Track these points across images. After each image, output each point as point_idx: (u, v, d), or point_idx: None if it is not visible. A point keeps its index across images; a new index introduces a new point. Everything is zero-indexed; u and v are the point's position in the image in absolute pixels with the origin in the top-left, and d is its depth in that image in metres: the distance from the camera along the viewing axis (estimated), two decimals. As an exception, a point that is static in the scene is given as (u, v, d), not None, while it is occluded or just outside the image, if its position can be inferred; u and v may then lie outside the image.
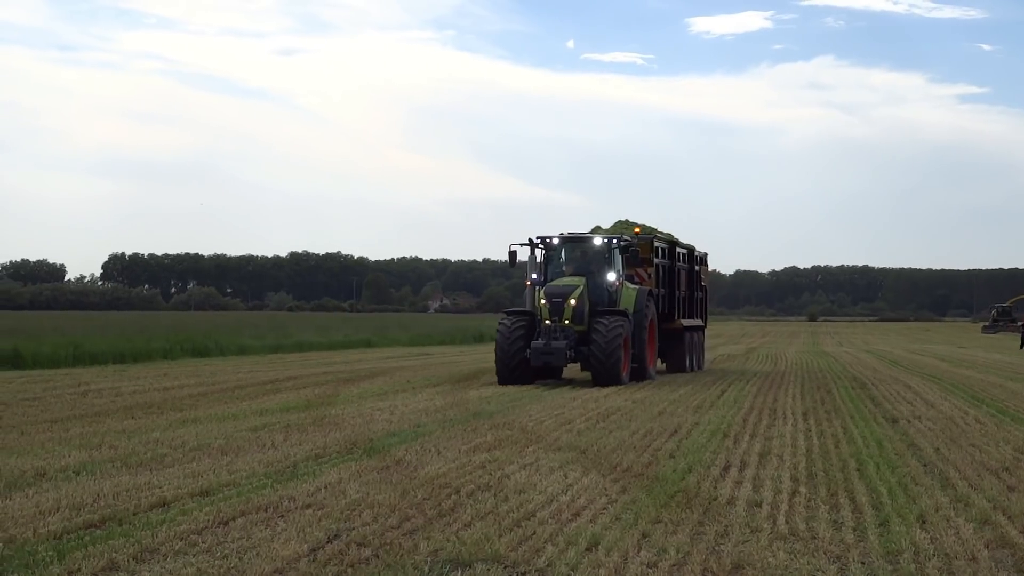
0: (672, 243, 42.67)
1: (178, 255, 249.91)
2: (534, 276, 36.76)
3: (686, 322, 43.36)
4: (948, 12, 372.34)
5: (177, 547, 11.51)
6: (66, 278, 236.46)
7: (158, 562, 10.95)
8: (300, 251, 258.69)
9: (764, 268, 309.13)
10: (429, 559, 11.15)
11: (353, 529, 12.39)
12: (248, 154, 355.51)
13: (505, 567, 10.97)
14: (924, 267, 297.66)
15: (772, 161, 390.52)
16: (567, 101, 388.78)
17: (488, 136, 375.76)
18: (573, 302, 34.43)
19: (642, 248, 38.70)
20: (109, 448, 18.73)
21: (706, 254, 48.02)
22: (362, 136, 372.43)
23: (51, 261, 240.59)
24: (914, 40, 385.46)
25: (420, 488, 15.01)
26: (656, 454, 18.81)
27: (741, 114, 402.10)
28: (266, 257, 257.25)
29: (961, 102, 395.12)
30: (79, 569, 10.59)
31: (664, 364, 42.70)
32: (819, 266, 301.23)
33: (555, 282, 35.49)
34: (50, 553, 11.09)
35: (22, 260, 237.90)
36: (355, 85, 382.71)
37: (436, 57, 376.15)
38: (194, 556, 11.16)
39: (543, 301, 34.73)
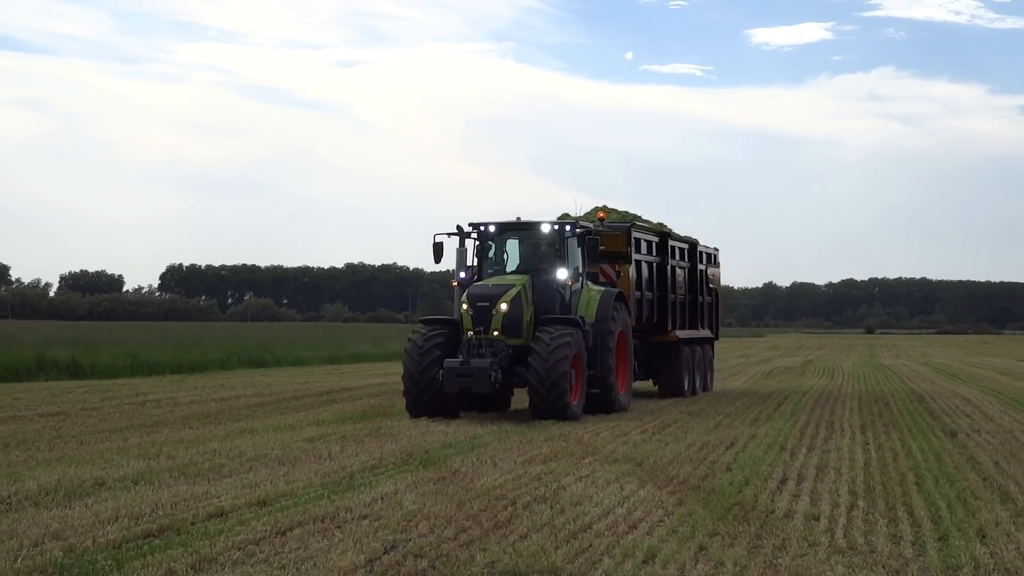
0: (663, 235, 35.11)
1: (235, 266, 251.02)
2: (462, 275, 28.75)
3: (683, 334, 35.63)
4: (1011, 23, 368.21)
5: (235, 557, 11.56)
6: (124, 289, 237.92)
7: (216, 572, 11.01)
8: (356, 262, 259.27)
9: (821, 280, 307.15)
10: (486, 571, 11.15)
11: (410, 540, 12.40)
12: (305, 165, 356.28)
13: (561, 579, 10.96)
14: (983, 279, 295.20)
15: (830, 172, 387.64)
16: (625, 113, 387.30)
17: (546, 148, 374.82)
18: (504, 307, 26.43)
19: (611, 239, 31.36)
20: (167, 458, 18.86)
21: (716, 251, 40.58)
22: (419, 148, 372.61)
23: (109, 272, 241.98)
24: (975, 51, 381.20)
25: (476, 499, 15.02)
26: (713, 467, 18.74)
27: (799, 125, 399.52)
28: (322, 268, 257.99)
29: (1022, 113, 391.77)
30: (138, 578, 10.66)
31: (656, 386, 35.82)
32: (876, 278, 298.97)
33: (483, 281, 27.83)
34: (109, 562, 11.17)
35: (81, 271, 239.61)
36: (413, 97, 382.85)
37: (494, 69, 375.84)
38: (252, 566, 11.20)
39: (464, 306, 26.86)
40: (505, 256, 28.86)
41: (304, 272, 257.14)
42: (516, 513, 14.16)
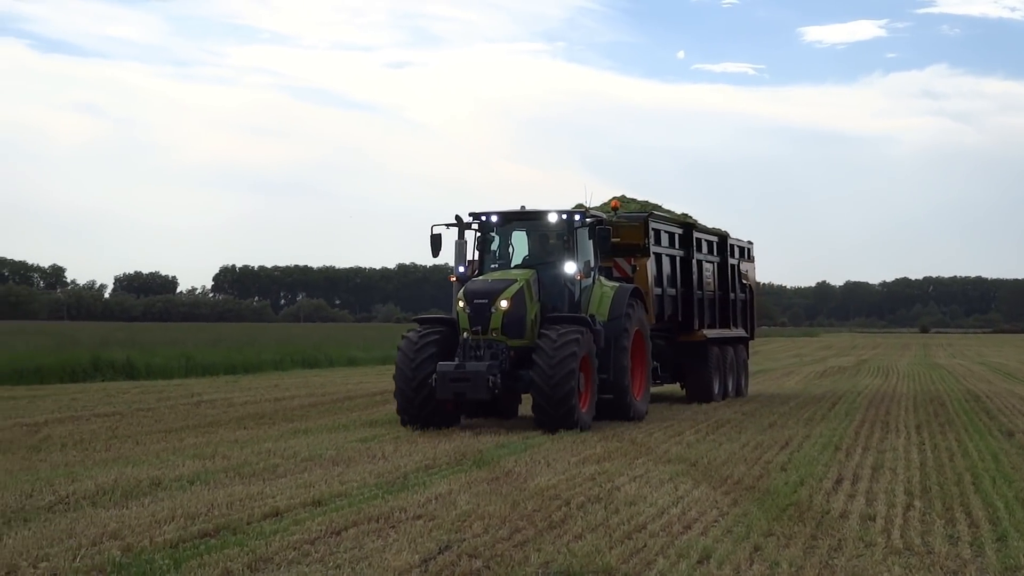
0: (687, 227, 32.70)
1: (287, 267, 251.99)
2: (461, 270, 26.24)
3: (712, 333, 33.24)
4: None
5: (290, 557, 11.60)
6: (178, 290, 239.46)
7: (272, 571, 11.05)
8: (408, 263, 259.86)
9: (875, 279, 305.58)
10: (540, 571, 11.15)
11: (464, 540, 12.42)
12: (357, 167, 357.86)
13: (616, 579, 10.95)
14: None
15: (883, 170, 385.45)
16: (676, 112, 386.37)
17: (597, 147, 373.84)
18: (505, 304, 24.12)
19: (627, 231, 29.15)
20: (222, 458, 18.95)
21: (750, 244, 38.23)
22: (471, 148, 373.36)
23: (163, 273, 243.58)
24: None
25: (530, 500, 15.02)
26: (767, 467, 18.67)
27: (852, 123, 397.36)
28: (374, 269, 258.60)
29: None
30: (195, 578, 10.72)
31: (684, 390, 33.57)
32: (931, 277, 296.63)
33: (483, 276, 25.53)
34: (167, 562, 11.23)
35: (135, 272, 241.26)
36: (464, 98, 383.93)
37: (545, 69, 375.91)
38: (307, 566, 11.24)
39: (461, 303, 24.66)
40: (510, 249, 26.62)
41: (356, 273, 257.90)
42: (570, 513, 14.15)
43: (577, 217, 25.92)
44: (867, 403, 33.15)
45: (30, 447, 20.62)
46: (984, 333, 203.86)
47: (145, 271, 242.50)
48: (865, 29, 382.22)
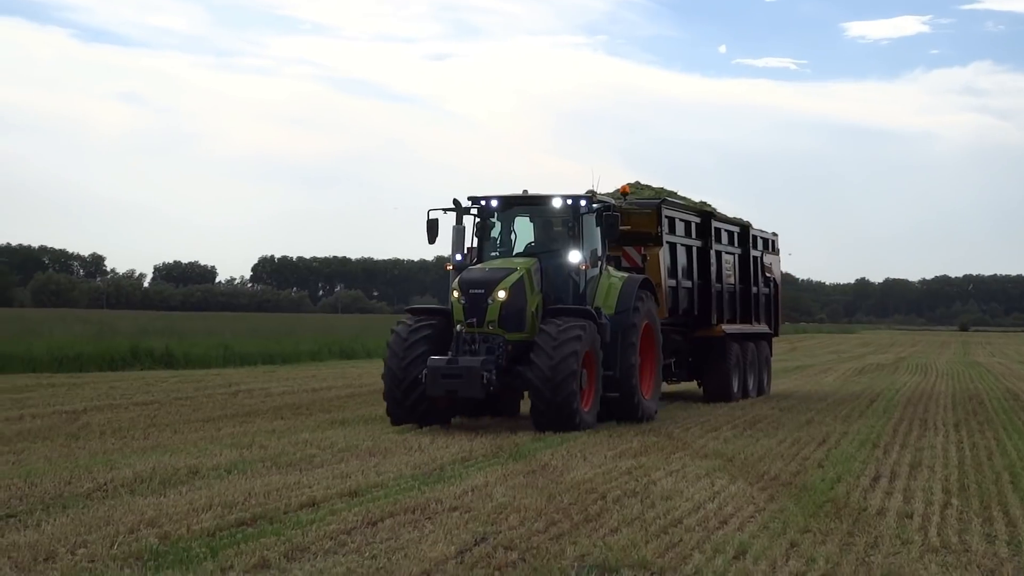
0: (705, 215, 30.82)
1: (326, 258, 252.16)
2: (458, 257, 24.41)
3: (731, 328, 31.35)
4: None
5: (327, 546, 11.65)
6: (217, 280, 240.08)
7: (308, 561, 11.09)
8: (446, 255, 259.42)
9: (914, 276, 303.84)
10: (576, 564, 11.14)
11: (500, 532, 12.43)
12: (397, 158, 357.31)
13: (652, 574, 10.91)
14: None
15: (924, 167, 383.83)
16: (717, 106, 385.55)
17: (637, 141, 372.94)
18: (502, 295, 22.44)
19: (638, 218, 27.49)
20: (259, 448, 19.03)
21: (775, 236, 36.20)
22: (511, 141, 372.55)
23: (203, 263, 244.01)
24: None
25: (566, 493, 15.03)
26: (804, 463, 18.62)
27: (894, 119, 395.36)
28: (412, 261, 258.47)
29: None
30: (232, 566, 10.76)
31: (701, 388, 31.89)
32: (971, 275, 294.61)
33: (480, 265, 23.87)
34: (204, 550, 11.28)
35: (174, 262, 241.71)
36: (505, 90, 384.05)
37: (587, 62, 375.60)
38: (343, 556, 11.27)
39: (455, 294, 22.88)
40: (512, 236, 24.87)
41: (394, 265, 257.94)
42: (606, 507, 14.15)
43: (583, 202, 24.11)
44: (905, 400, 33.01)
45: (69, 434, 20.74)
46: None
47: (184, 261, 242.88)
48: (908, 25, 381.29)
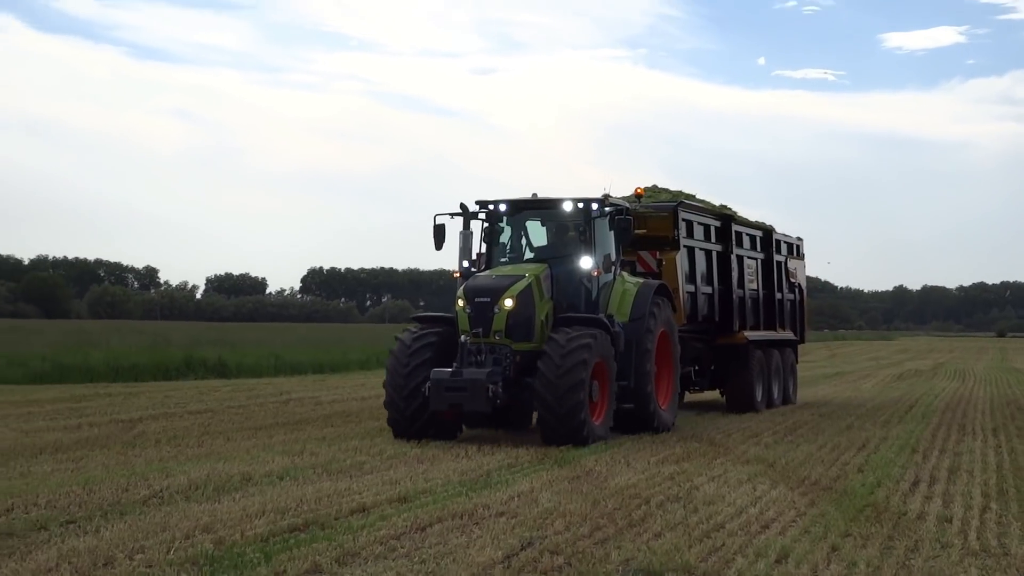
0: (725, 218, 29.26)
1: (373, 269, 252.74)
2: (465, 264, 22.93)
3: (753, 335, 29.86)
4: None
5: (377, 551, 11.67)
6: (267, 291, 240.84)
7: (359, 565, 11.12)
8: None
9: (951, 283, 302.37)
10: (620, 568, 11.14)
11: (546, 537, 12.43)
12: (442, 171, 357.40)
13: (695, 577, 10.93)
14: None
15: (962, 176, 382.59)
16: (758, 117, 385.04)
17: (678, 152, 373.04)
18: (509, 304, 21.10)
19: (654, 222, 26.15)
20: (310, 455, 19.08)
21: (800, 241, 34.74)
22: (554, 154, 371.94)
23: (253, 275, 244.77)
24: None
25: (610, 498, 15.02)
26: (844, 468, 18.55)
27: (932, 129, 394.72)
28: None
29: None
30: (285, 571, 10.79)
31: (723, 397, 30.41)
32: (1008, 281, 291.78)
33: (488, 272, 22.44)
34: (257, 555, 11.33)
35: (226, 274, 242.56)
36: (548, 103, 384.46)
37: (628, 75, 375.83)
38: (393, 560, 11.30)
39: (461, 303, 21.58)
40: (523, 241, 23.53)
41: (440, 275, 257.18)
42: (650, 512, 14.13)
43: (595, 205, 22.69)
44: (944, 406, 32.80)
45: (126, 443, 20.86)
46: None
47: (236, 273, 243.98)
48: (945, 35, 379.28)
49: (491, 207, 23.27)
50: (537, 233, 23.69)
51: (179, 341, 59.62)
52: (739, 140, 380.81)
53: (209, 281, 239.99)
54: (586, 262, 22.46)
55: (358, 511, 13.85)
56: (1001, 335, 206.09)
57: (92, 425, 23.66)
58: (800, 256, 34.55)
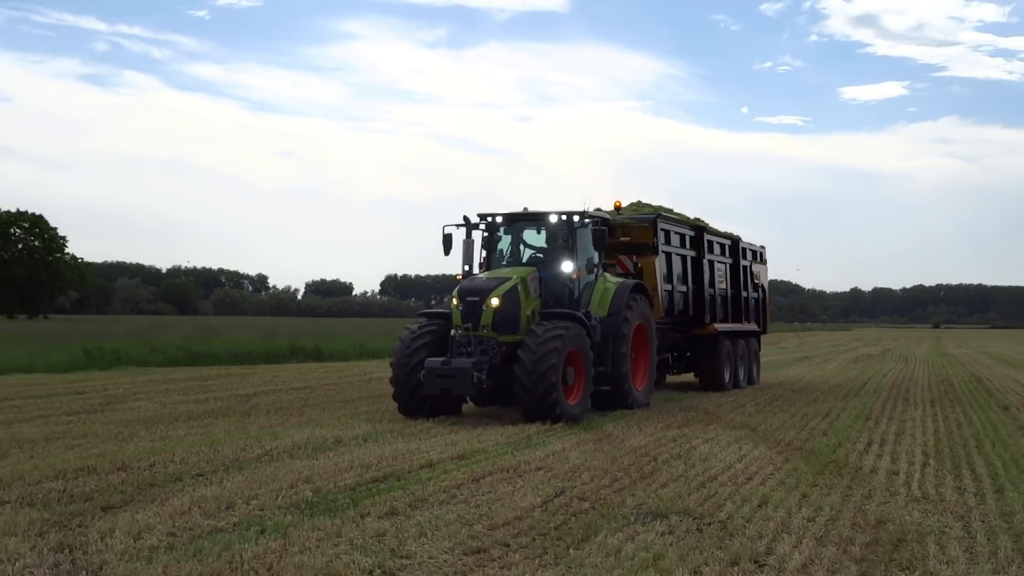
0: (698, 229, 27.98)
1: (437, 275, 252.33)
2: (467, 268, 22.03)
3: (723, 327, 28.54)
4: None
5: (441, 498, 11.66)
6: (353, 293, 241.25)
7: (427, 509, 11.10)
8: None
9: (896, 285, 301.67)
10: (634, 511, 11.09)
11: (575, 487, 12.40)
12: (490, 198, 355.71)
13: (694, 518, 10.84)
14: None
15: (905, 200, 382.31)
16: (742, 155, 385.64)
17: (680, 183, 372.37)
18: (496, 302, 19.91)
19: (637, 231, 25.33)
20: (388, 422, 19.06)
21: (762, 248, 33.18)
22: (580, 186, 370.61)
23: (342, 280, 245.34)
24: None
25: (626, 456, 14.96)
26: (812, 432, 18.43)
27: (881, 164, 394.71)
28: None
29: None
30: (368, 513, 10.78)
31: (697, 378, 28.95)
32: (942, 283, 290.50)
33: (481, 275, 21.23)
34: (347, 500, 11.33)
35: (321, 279, 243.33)
36: (576, 145, 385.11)
37: (639, 122, 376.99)
38: (454, 505, 11.29)
39: (455, 301, 20.40)
40: (520, 248, 22.48)
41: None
42: (657, 467, 14.08)
43: (576, 218, 21.73)
44: (891, 383, 32.56)
45: (242, 412, 20.91)
46: (984, 329, 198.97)
47: (329, 278, 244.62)
48: (892, 89, 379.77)
49: (489, 219, 22.41)
50: (530, 241, 22.58)
51: (284, 333, 59.75)
52: (728, 173, 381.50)
53: (308, 285, 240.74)
54: (567, 266, 21.39)
55: (426, 466, 13.84)
56: (936, 327, 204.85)
57: (216, 399, 23.74)
58: (763, 261, 33.20)
